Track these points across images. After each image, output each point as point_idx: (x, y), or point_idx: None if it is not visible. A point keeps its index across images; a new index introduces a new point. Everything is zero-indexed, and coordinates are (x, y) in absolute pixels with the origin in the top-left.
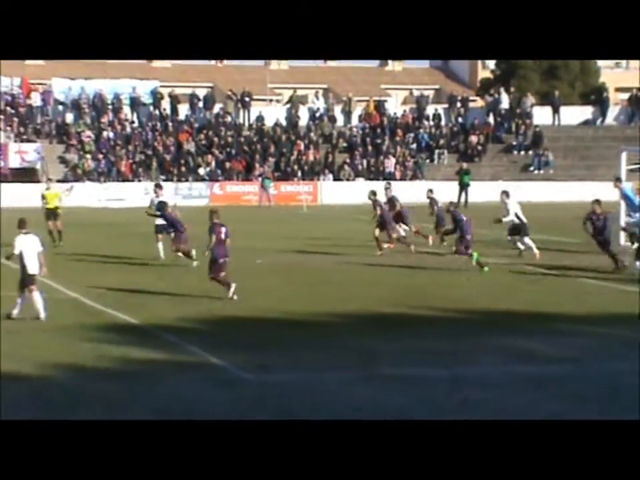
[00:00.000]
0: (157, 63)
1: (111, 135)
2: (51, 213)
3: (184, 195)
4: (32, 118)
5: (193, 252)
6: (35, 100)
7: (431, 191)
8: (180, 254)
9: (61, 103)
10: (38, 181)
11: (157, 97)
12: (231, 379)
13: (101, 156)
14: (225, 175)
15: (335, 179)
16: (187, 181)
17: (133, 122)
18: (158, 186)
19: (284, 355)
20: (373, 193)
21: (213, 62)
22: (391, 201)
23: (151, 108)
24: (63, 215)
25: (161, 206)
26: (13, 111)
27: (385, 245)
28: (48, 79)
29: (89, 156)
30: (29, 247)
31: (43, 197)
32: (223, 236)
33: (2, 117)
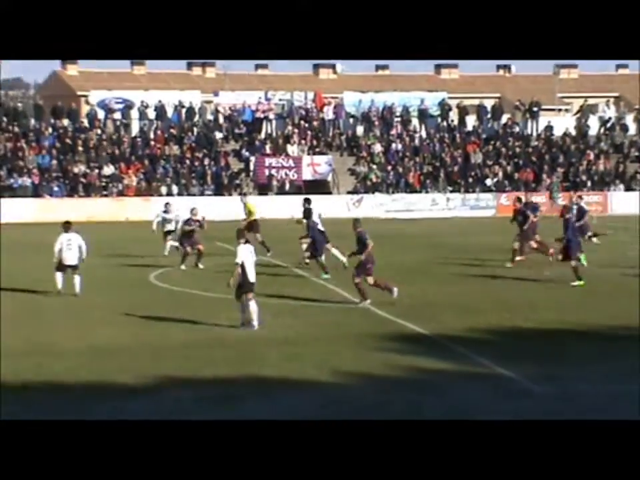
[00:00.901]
0: (445, 75)
1: (399, 146)
2: (253, 225)
3: (471, 206)
4: (324, 131)
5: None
6: (327, 113)
7: None
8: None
9: (352, 116)
10: (329, 193)
11: (444, 108)
12: (519, 389)
13: (389, 167)
14: (512, 185)
15: (626, 189)
16: (474, 192)
17: (420, 134)
18: (168, 204)
19: (573, 366)
20: None
21: (500, 72)
22: None
23: (439, 119)
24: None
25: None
26: (306, 125)
27: None
28: (340, 93)
29: (377, 167)
30: (249, 255)
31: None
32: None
33: (296, 130)
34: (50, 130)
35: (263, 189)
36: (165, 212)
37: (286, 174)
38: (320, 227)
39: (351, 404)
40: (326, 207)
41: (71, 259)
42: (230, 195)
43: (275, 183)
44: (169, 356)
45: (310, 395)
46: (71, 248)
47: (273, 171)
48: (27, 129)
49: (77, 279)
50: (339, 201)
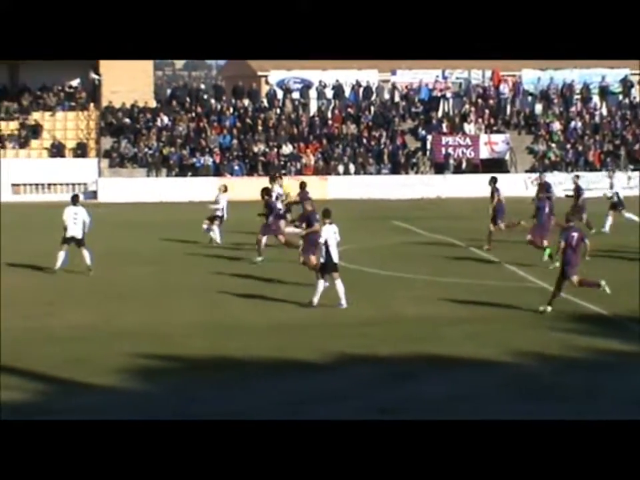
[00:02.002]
0: None
1: (579, 124)
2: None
3: None
4: (501, 109)
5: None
6: (504, 91)
7: None
8: None
9: (530, 94)
10: (507, 172)
11: (626, 85)
12: None
13: (568, 146)
14: None
15: None
16: None
17: (601, 111)
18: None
19: None
20: None
21: None
22: None
23: (620, 96)
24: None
25: None
26: (483, 103)
27: None
28: (517, 71)
29: (556, 146)
30: (332, 235)
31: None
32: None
33: (473, 109)
34: (231, 110)
35: (440, 167)
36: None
37: (462, 152)
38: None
39: (528, 384)
40: (503, 186)
41: (76, 232)
42: (407, 173)
43: (451, 161)
44: (345, 333)
45: (488, 373)
46: (76, 222)
47: (450, 150)
48: (209, 110)
49: (85, 253)
50: (516, 180)
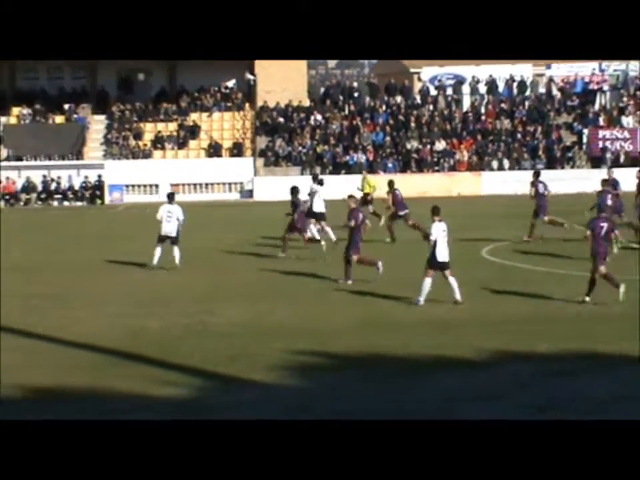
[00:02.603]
0: None
1: None
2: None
3: None
4: None
5: None
6: None
7: None
8: None
9: None
10: None
11: None
12: None
13: None
14: None
15: None
16: None
17: None
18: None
19: None
20: None
21: None
22: None
23: None
24: None
25: None
26: None
27: None
28: None
29: None
30: (441, 233)
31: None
32: (359, 222)
33: (632, 101)
34: (384, 107)
35: (596, 161)
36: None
37: (620, 146)
38: None
39: None
40: None
41: (170, 230)
42: (562, 168)
43: (608, 155)
44: (503, 330)
45: None
46: (170, 220)
47: (607, 143)
48: (362, 107)
49: (175, 251)
50: None
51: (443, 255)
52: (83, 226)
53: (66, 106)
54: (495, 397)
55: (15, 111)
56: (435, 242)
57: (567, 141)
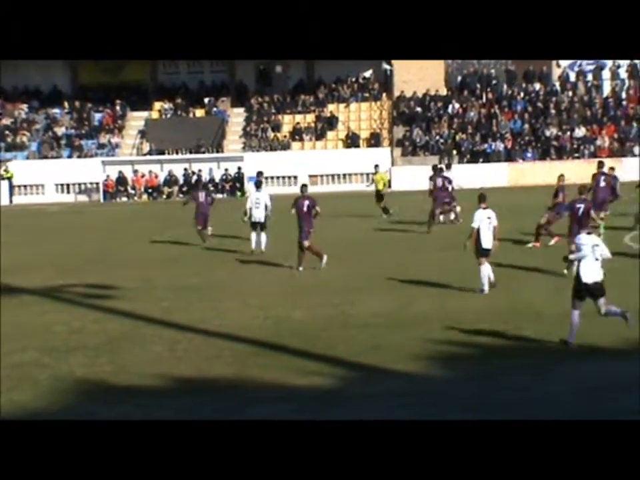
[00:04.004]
0: None
1: None
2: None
3: None
4: None
5: None
6: None
7: None
8: None
9: None
10: None
11: None
12: None
13: None
14: None
15: None
16: None
17: None
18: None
19: None
20: None
21: None
22: None
23: None
24: None
25: None
26: None
27: None
28: None
29: None
30: (485, 221)
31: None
32: (305, 209)
33: None
34: (522, 95)
35: None
36: None
37: None
38: None
39: None
40: None
41: (258, 216)
42: None
43: None
44: None
45: None
46: (259, 206)
47: None
48: (499, 95)
49: (262, 237)
50: None
51: (486, 242)
52: (226, 217)
53: (206, 100)
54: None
55: (157, 105)
56: (479, 229)
57: None
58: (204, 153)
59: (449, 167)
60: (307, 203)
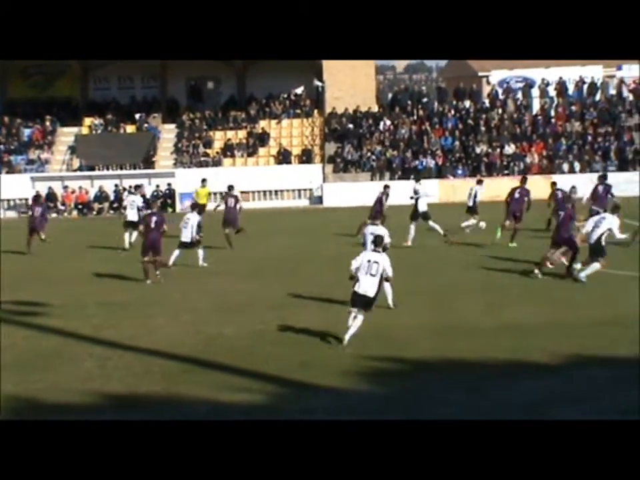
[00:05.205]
0: None
1: None
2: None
3: None
4: None
5: None
6: None
7: None
8: None
9: None
10: None
11: None
12: None
13: None
14: None
15: None
16: None
17: None
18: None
19: None
20: None
21: None
22: None
23: None
24: None
25: None
26: None
27: None
28: None
29: None
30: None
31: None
32: (152, 225)
33: None
34: (452, 112)
35: None
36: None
37: None
38: None
39: None
40: None
41: (184, 236)
42: (635, 170)
43: None
44: (579, 334)
45: None
46: (186, 226)
47: None
48: (430, 112)
49: (200, 253)
50: None
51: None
52: None
53: (137, 115)
54: (576, 401)
55: (87, 121)
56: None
57: (639, 143)
58: (135, 169)
59: (417, 180)
60: (154, 218)
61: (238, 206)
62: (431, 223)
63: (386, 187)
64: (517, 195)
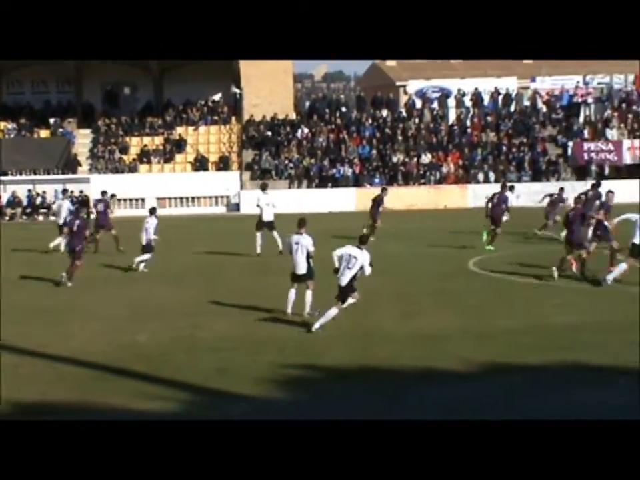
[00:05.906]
0: None
1: None
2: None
3: None
4: None
5: None
6: None
7: None
8: None
9: None
10: None
11: None
12: None
13: None
14: None
15: None
16: None
17: None
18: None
19: None
20: None
21: None
22: None
23: None
24: None
25: None
26: (626, 108)
27: None
28: None
29: None
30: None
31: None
32: (75, 228)
33: (616, 114)
34: (370, 120)
35: (581, 174)
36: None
37: (605, 158)
38: None
39: None
40: None
41: (141, 239)
42: (548, 180)
43: (593, 167)
44: (491, 342)
45: None
46: (147, 230)
47: (592, 155)
48: (348, 120)
49: (144, 257)
50: None
51: (299, 267)
52: None
53: (51, 120)
54: (486, 407)
55: (0, 126)
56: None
57: (552, 154)
58: (49, 174)
59: (384, 190)
60: (77, 221)
61: (109, 210)
62: (275, 233)
63: (383, 189)
64: (495, 201)
